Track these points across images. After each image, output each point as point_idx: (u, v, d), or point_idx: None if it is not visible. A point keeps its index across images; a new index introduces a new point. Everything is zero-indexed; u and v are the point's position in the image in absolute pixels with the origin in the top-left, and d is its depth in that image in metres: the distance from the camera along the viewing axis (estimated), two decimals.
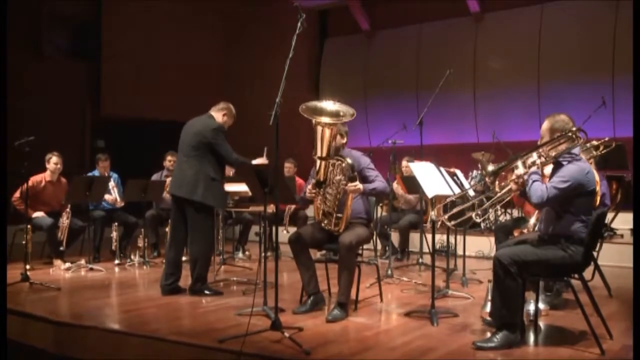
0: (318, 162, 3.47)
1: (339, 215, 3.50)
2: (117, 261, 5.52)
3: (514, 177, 2.92)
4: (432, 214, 3.44)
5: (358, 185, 3.42)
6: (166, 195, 5.79)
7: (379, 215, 5.71)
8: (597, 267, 4.09)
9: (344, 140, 3.67)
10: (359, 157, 3.65)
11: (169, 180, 5.74)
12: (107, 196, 5.70)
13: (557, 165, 2.87)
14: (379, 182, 3.57)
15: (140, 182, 5.53)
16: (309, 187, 3.57)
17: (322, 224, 3.57)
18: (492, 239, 5.20)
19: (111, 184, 5.74)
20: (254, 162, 4.03)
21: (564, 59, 7.72)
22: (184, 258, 4.31)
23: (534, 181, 2.80)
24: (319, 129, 3.39)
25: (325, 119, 3.39)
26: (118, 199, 5.75)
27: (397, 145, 5.48)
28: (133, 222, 5.88)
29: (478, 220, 3.42)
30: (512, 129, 7.66)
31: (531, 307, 3.20)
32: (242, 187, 4.35)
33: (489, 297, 3.16)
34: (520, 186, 2.91)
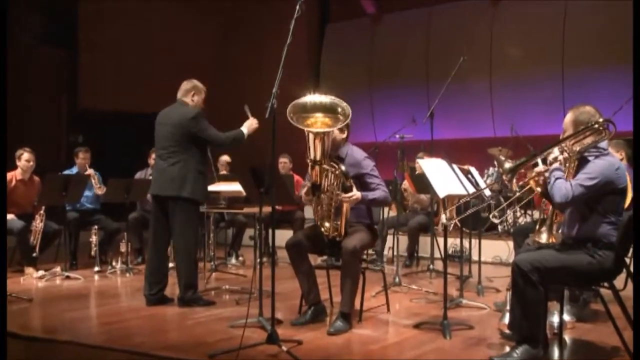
0: (311, 166, 3.45)
1: (337, 222, 3.48)
2: (96, 268, 5.51)
3: (534, 174, 2.90)
4: (443, 217, 3.42)
5: (354, 195, 3.38)
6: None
7: (385, 216, 5.69)
8: (630, 274, 4.06)
9: (344, 135, 3.63)
10: (361, 160, 3.61)
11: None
12: (98, 191, 5.66)
13: (583, 161, 2.84)
14: (380, 192, 3.54)
15: (123, 181, 5.51)
16: (304, 191, 3.55)
17: (322, 229, 3.56)
18: (511, 243, 5.18)
19: (94, 181, 5.71)
20: (245, 126, 4.03)
21: (592, 44, 7.63)
22: (170, 264, 4.30)
23: (556, 178, 2.77)
24: (311, 136, 3.36)
25: (319, 116, 3.34)
26: (102, 189, 5.68)
27: (406, 139, 5.46)
28: (114, 226, 5.87)
29: (495, 221, 3.41)
30: (533, 122, 7.64)
31: (555, 319, 3.18)
32: (235, 187, 4.35)
33: (508, 308, 3.15)
34: (542, 185, 2.89)
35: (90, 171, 5.75)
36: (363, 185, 3.52)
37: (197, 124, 3.95)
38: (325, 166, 3.40)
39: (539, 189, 2.93)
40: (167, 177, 3.96)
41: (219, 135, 4.01)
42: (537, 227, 3.21)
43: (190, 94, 4.13)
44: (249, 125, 4.08)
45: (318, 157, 3.38)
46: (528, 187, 3.02)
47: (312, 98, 3.42)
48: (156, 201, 4.08)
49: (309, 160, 3.43)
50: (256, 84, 9.16)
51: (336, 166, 3.40)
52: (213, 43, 10.11)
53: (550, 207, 3.10)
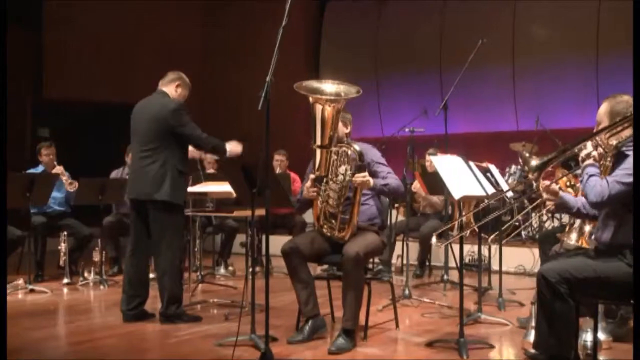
0: (318, 152, 3.46)
1: (345, 217, 3.47)
2: (66, 280, 5.49)
3: (564, 173, 2.90)
4: (434, 238, 3.42)
5: (367, 177, 3.41)
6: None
7: (393, 220, 5.69)
8: None
9: (348, 130, 3.67)
10: (368, 149, 3.66)
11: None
12: (69, 187, 5.64)
13: (620, 156, 2.83)
14: (392, 179, 3.58)
15: (96, 181, 5.50)
16: (308, 184, 3.54)
17: (324, 230, 3.54)
18: (536, 251, 5.18)
19: (64, 178, 5.69)
20: (230, 144, 4.04)
21: (631, 25, 7.60)
22: (151, 275, 4.29)
23: (590, 176, 2.76)
24: (318, 108, 3.39)
25: (325, 95, 3.38)
26: (74, 185, 5.64)
27: (416, 134, 5.46)
28: (87, 231, 5.85)
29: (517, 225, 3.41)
30: (562, 114, 7.64)
31: (588, 338, 3.17)
32: (224, 187, 4.34)
33: (533, 324, 3.13)
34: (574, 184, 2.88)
35: (58, 168, 5.73)
36: (372, 174, 3.56)
37: (179, 118, 3.94)
38: (335, 148, 3.44)
39: (570, 190, 2.92)
40: (145, 178, 3.95)
41: (200, 135, 4.00)
42: (567, 227, 3.20)
43: (175, 84, 4.12)
44: (233, 147, 4.10)
45: (326, 140, 3.41)
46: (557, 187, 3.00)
47: (319, 83, 3.45)
48: (134, 204, 4.07)
49: (314, 147, 3.44)
50: (247, 73, 9.19)
51: (348, 144, 3.44)
52: (198, 24, 10.10)
53: None
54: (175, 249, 3.99)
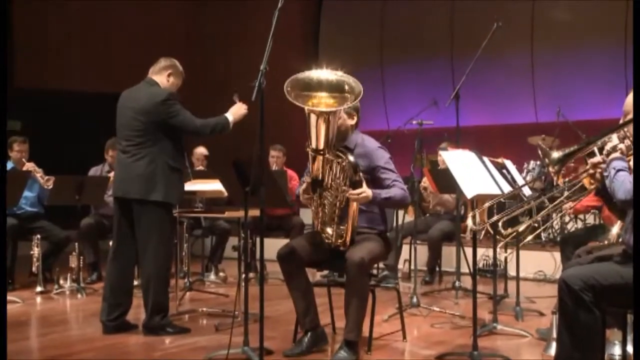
0: (312, 156, 3.44)
1: (342, 227, 3.48)
2: (39, 288, 5.48)
3: (588, 167, 2.88)
4: (470, 221, 3.40)
5: (364, 192, 3.37)
6: (110, 197, 5.74)
7: (400, 221, 5.69)
8: None
9: (354, 121, 3.65)
10: (374, 150, 3.61)
11: (113, 176, 5.70)
12: (45, 184, 5.61)
13: None
14: (397, 190, 3.53)
15: (73, 178, 5.47)
16: (302, 188, 3.54)
17: (323, 235, 3.55)
18: (557, 255, 5.18)
19: (38, 175, 5.67)
20: (231, 112, 4.00)
21: None
22: (135, 282, 4.28)
23: (617, 171, 2.74)
24: (313, 117, 3.36)
25: (322, 96, 3.35)
26: (50, 182, 5.62)
27: (425, 127, 5.46)
28: (62, 235, 5.84)
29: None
30: (586, 104, 7.63)
31: (616, 352, 3.18)
32: (214, 186, 4.34)
33: (554, 335, 3.14)
34: (598, 180, 2.86)
35: (29, 165, 5.71)
36: (376, 182, 3.51)
37: (169, 109, 3.91)
38: (329, 156, 3.40)
39: (593, 186, 2.91)
40: (132, 175, 3.92)
41: (193, 121, 3.97)
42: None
43: (166, 72, 4.09)
44: (236, 110, 4.06)
45: (321, 145, 3.37)
46: (579, 184, 3.00)
47: (318, 74, 3.41)
48: (119, 204, 4.06)
49: (309, 150, 3.43)
50: (239, 61, 9.17)
51: (343, 156, 3.39)
52: (186, 7, 10.08)
53: (606, 211, 3.09)
54: (163, 254, 3.98)
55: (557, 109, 6.87)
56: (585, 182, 2.96)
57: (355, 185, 3.36)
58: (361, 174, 3.40)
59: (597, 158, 2.83)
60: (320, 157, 3.41)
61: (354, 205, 3.42)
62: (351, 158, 3.38)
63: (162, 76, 4.08)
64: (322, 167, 3.43)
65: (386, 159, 3.60)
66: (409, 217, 6.06)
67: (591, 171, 2.85)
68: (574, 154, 2.86)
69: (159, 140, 3.93)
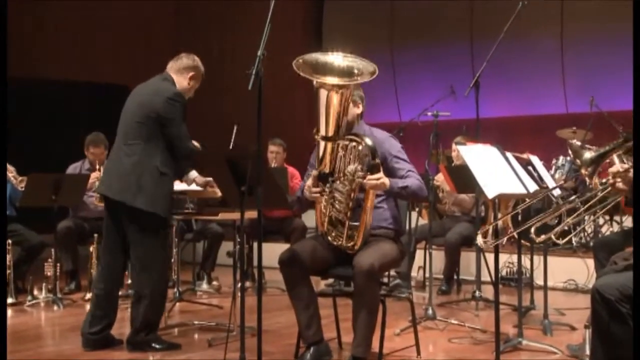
0: (322, 144, 3.46)
1: (354, 223, 3.47)
2: (10, 300, 5.48)
3: (626, 166, 2.88)
4: (479, 237, 3.38)
5: (382, 178, 3.39)
6: (90, 198, 5.77)
7: (413, 224, 5.69)
8: None
9: (360, 110, 3.67)
10: (384, 139, 3.65)
11: (94, 175, 5.72)
12: (17, 185, 5.61)
13: None
14: (413, 180, 3.55)
15: (49, 177, 5.45)
16: (309, 182, 3.54)
17: (329, 238, 3.55)
18: (590, 262, 5.16)
19: (10, 175, 5.68)
20: (199, 178, 4.09)
21: None
22: (120, 292, 4.29)
23: None
24: (323, 94, 3.38)
25: (333, 80, 3.38)
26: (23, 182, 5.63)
27: (441, 118, 5.48)
28: (37, 240, 5.84)
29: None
30: (622, 93, 7.58)
31: None
32: None
33: (587, 352, 3.15)
34: (621, 190, 2.86)
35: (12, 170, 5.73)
36: (389, 173, 3.52)
37: (170, 109, 3.88)
38: (342, 141, 3.41)
39: (619, 197, 2.91)
40: (119, 174, 3.92)
41: (187, 141, 3.94)
42: None
43: (188, 74, 4.07)
44: (203, 182, 4.17)
45: (332, 131, 3.38)
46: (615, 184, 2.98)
47: (325, 56, 3.44)
48: (106, 204, 4.08)
49: (317, 137, 3.44)
50: (234, 46, 9.19)
51: (358, 139, 3.40)
52: None
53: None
54: (159, 267, 3.98)
55: (590, 98, 6.86)
56: (620, 182, 2.95)
57: (373, 169, 3.37)
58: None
59: (617, 167, 2.82)
60: (331, 144, 3.42)
61: (370, 196, 3.44)
62: (369, 141, 3.40)
63: (183, 77, 4.07)
64: (333, 155, 3.44)
65: (398, 147, 3.64)
66: (423, 220, 6.06)
67: (611, 181, 2.83)
68: (609, 153, 2.85)
69: (153, 138, 3.91)
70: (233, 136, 4.08)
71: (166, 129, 3.92)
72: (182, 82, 4.06)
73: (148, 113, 3.92)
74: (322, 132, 3.42)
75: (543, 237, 3.25)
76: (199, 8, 10.00)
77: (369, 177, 3.37)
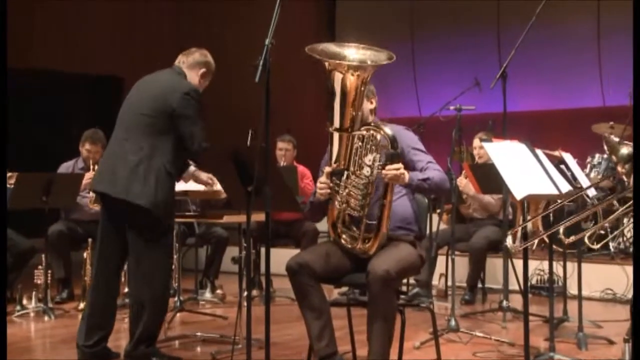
0: (336, 138, 3.45)
1: (371, 222, 3.47)
2: None
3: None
4: (509, 239, 3.37)
5: (402, 169, 3.39)
6: (84, 199, 5.81)
7: (434, 227, 5.68)
8: None
9: (373, 105, 3.67)
10: (399, 131, 3.63)
11: (88, 175, 5.74)
12: (9, 181, 5.63)
13: None
14: (434, 171, 3.56)
15: (39, 176, 5.48)
16: (322, 179, 3.54)
17: (342, 240, 3.55)
18: (630, 269, 5.15)
19: None
20: (199, 174, 4.09)
21: None
22: (118, 301, 4.32)
23: None
24: (338, 78, 3.37)
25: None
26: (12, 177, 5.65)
27: (465, 113, 5.46)
28: (26, 245, 5.86)
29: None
30: None
31: None
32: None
33: None
34: None
35: None
36: (407, 166, 3.51)
37: (186, 105, 3.90)
38: (359, 132, 3.42)
39: None
40: (122, 169, 3.90)
41: (199, 139, 3.94)
42: None
43: (200, 70, 4.11)
44: (204, 178, 4.19)
45: (347, 122, 3.38)
46: None
47: (344, 51, 3.43)
48: (104, 202, 4.09)
49: (332, 130, 3.43)
50: (239, 35, 9.21)
51: (377, 127, 3.41)
52: None
53: None
54: (161, 274, 3.99)
55: (629, 89, 6.82)
56: None
57: (393, 158, 3.36)
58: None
59: None
60: (346, 136, 3.42)
61: (388, 197, 3.42)
62: (388, 130, 3.40)
63: (194, 73, 4.10)
64: (349, 148, 3.42)
65: (416, 139, 3.66)
66: (445, 224, 6.05)
67: None
68: None
69: (163, 135, 3.92)
70: (248, 142, 4.09)
71: (180, 125, 3.93)
72: (193, 77, 4.09)
73: (162, 107, 3.93)
74: (337, 123, 3.41)
75: (573, 237, 3.24)
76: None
77: (388, 167, 3.37)
